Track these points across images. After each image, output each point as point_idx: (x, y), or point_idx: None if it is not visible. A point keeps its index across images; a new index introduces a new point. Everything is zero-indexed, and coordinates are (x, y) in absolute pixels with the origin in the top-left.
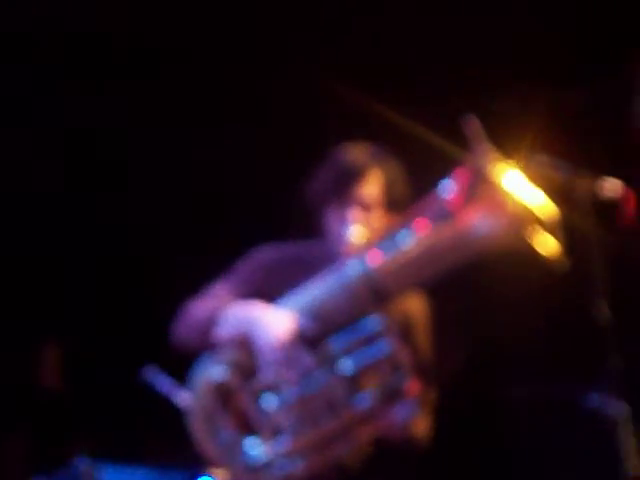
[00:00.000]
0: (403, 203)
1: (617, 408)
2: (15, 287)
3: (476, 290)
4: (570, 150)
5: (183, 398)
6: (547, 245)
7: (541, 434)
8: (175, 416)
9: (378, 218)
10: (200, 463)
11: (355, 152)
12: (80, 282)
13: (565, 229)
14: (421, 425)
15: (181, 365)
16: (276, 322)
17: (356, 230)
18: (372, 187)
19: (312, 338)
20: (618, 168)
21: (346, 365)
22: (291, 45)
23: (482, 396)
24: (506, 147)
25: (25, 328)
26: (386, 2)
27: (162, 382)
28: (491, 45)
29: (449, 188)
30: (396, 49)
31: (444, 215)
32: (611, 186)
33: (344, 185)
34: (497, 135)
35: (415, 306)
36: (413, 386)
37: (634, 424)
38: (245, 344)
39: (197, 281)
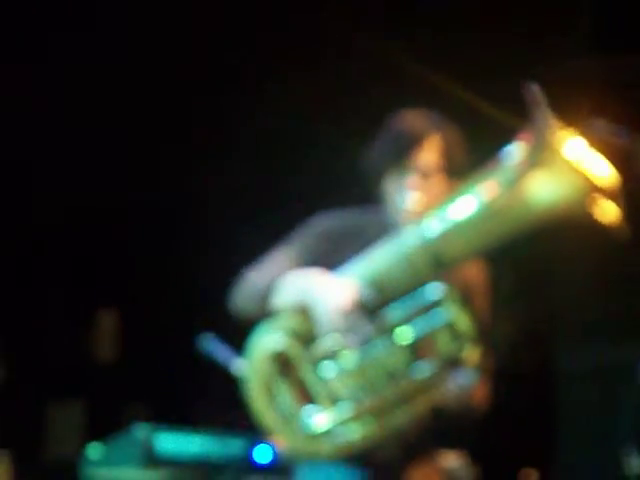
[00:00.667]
0: (463, 170)
1: None
2: (77, 257)
3: (535, 259)
4: (628, 116)
5: (240, 366)
6: (608, 212)
7: (594, 401)
8: (232, 384)
9: (437, 185)
10: (258, 431)
11: (413, 118)
12: (139, 251)
13: (626, 195)
14: (479, 393)
15: (239, 333)
16: (336, 289)
17: (415, 197)
18: (431, 153)
19: (371, 306)
20: None
21: (405, 333)
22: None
23: (539, 363)
24: (566, 114)
25: (84, 296)
26: None
27: (219, 350)
28: (546, 16)
29: (512, 154)
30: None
31: (507, 181)
32: None
33: (402, 152)
34: (557, 103)
35: (474, 274)
36: (472, 354)
37: None
38: (304, 312)
39: (256, 249)
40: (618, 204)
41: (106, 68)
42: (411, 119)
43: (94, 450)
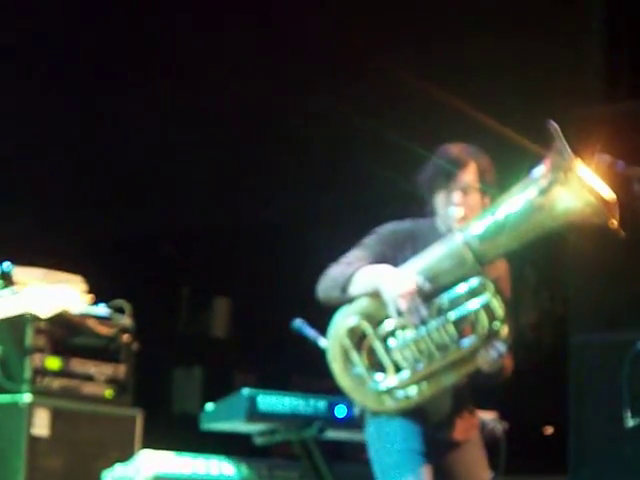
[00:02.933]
0: (493, 188)
1: None
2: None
3: (553, 255)
4: (626, 152)
5: (324, 341)
6: (610, 219)
7: (602, 370)
8: (318, 355)
9: (475, 200)
10: (338, 392)
11: (456, 149)
12: (248, 248)
13: (622, 208)
14: (508, 361)
15: (324, 318)
16: (400, 279)
17: (459, 209)
18: (470, 175)
19: (427, 294)
20: None
21: (454, 314)
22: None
23: (557, 338)
24: (579, 148)
25: (206, 288)
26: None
27: (308, 330)
28: (564, 71)
29: (541, 172)
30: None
31: (538, 191)
32: None
33: (449, 175)
34: (572, 139)
35: (502, 269)
36: (503, 330)
37: None
38: (375, 298)
39: (336, 251)
40: (615, 213)
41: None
42: (455, 150)
43: (211, 407)
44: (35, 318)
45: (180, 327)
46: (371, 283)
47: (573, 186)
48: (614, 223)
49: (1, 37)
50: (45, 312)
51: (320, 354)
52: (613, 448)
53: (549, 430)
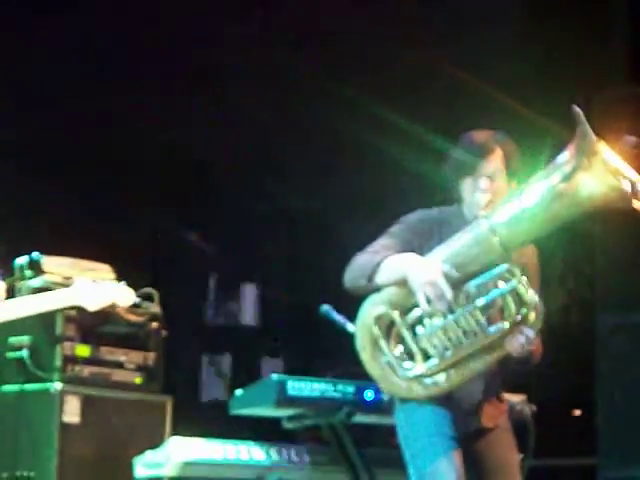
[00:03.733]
0: (518, 173)
1: None
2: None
3: (579, 241)
4: None
5: (352, 327)
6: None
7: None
8: (347, 342)
9: (501, 186)
10: (366, 378)
11: (482, 135)
12: (276, 235)
13: None
14: (537, 346)
15: (352, 305)
16: (427, 267)
17: (485, 196)
18: (495, 163)
19: (455, 280)
20: None
21: (481, 301)
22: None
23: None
24: (604, 131)
25: (234, 275)
26: None
27: (337, 317)
28: (592, 54)
29: (565, 157)
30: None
31: (563, 176)
32: None
33: (475, 162)
34: (596, 122)
35: (530, 255)
36: (532, 316)
37: None
38: (402, 286)
39: (363, 239)
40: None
41: None
42: (480, 136)
43: (240, 392)
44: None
45: (208, 315)
46: (398, 271)
47: (597, 171)
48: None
49: None
50: (94, 306)
51: (347, 341)
52: None
53: (577, 412)
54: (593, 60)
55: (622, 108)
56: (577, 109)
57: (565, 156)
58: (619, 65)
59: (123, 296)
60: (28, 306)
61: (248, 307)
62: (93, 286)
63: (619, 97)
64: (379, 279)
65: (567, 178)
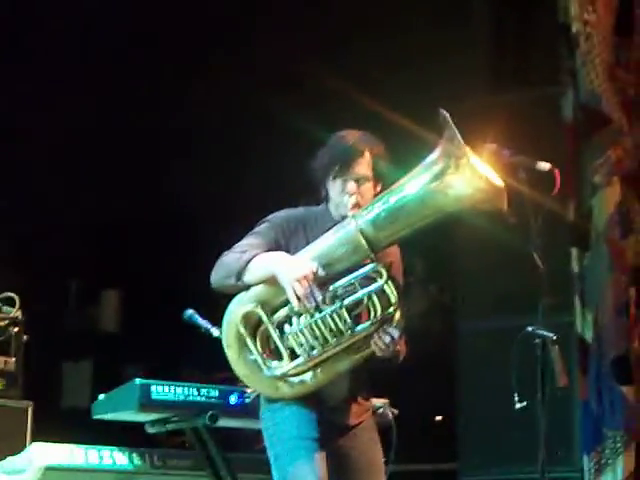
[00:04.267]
0: (386, 175)
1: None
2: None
3: (443, 244)
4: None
5: (216, 331)
6: (498, 204)
7: (489, 357)
8: (211, 344)
9: (368, 188)
10: (232, 380)
11: (352, 137)
12: (138, 241)
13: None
14: (401, 346)
15: (217, 307)
16: (296, 265)
17: (353, 197)
18: (364, 164)
19: (322, 280)
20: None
21: (348, 300)
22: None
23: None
24: (469, 137)
25: (91, 279)
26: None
27: (200, 320)
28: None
29: (433, 158)
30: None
31: (432, 178)
32: (543, 165)
33: (344, 163)
34: (463, 128)
35: (395, 255)
36: (397, 315)
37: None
38: (270, 284)
39: (227, 240)
40: (504, 200)
41: None
42: (350, 137)
43: (103, 397)
44: None
45: (68, 321)
46: (267, 269)
47: (464, 173)
48: (504, 209)
49: None
50: None
51: (210, 347)
52: (500, 434)
53: (439, 418)
54: (455, 69)
55: (485, 116)
56: (444, 112)
57: (433, 157)
58: (481, 75)
59: None
60: None
61: (109, 313)
62: None
63: (482, 105)
64: (247, 278)
65: (435, 178)
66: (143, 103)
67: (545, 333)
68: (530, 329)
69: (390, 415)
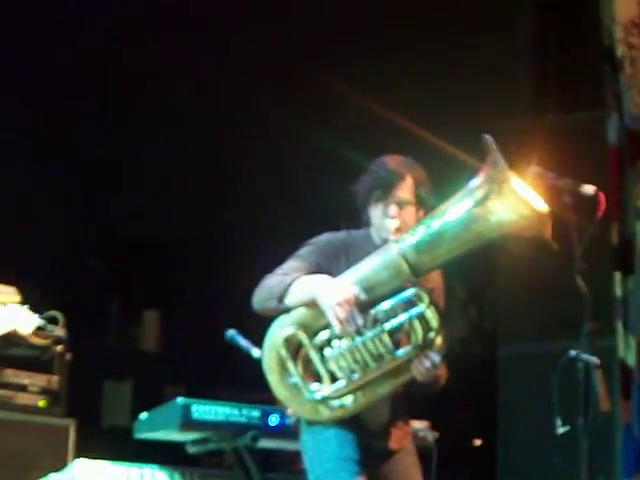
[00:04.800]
0: (428, 200)
1: (590, 359)
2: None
3: (483, 270)
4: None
5: (257, 352)
6: (542, 230)
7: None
8: (251, 365)
9: (410, 213)
10: (272, 401)
11: (393, 162)
12: (180, 261)
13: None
14: (442, 371)
15: (259, 328)
16: (338, 287)
17: (394, 222)
18: (406, 188)
19: (363, 304)
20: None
21: (389, 324)
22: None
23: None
24: (513, 160)
25: (135, 302)
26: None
27: (242, 340)
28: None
29: (476, 183)
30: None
31: (474, 202)
32: (588, 188)
33: (385, 187)
34: (506, 151)
35: (437, 280)
36: (438, 341)
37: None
38: (311, 307)
39: (268, 261)
40: (548, 225)
41: None
42: (391, 162)
43: (144, 416)
44: None
45: (110, 341)
46: (308, 292)
47: (507, 198)
48: (548, 235)
49: None
50: None
51: (250, 367)
52: (541, 458)
53: (478, 442)
54: (502, 92)
55: (529, 139)
56: (488, 137)
57: (476, 182)
58: (526, 97)
59: (25, 322)
60: None
61: (150, 333)
62: None
63: (526, 128)
64: (289, 300)
65: (478, 204)
66: (208, 131)
67: (588, 357)
68: (573, 353)
69: (430, 439)
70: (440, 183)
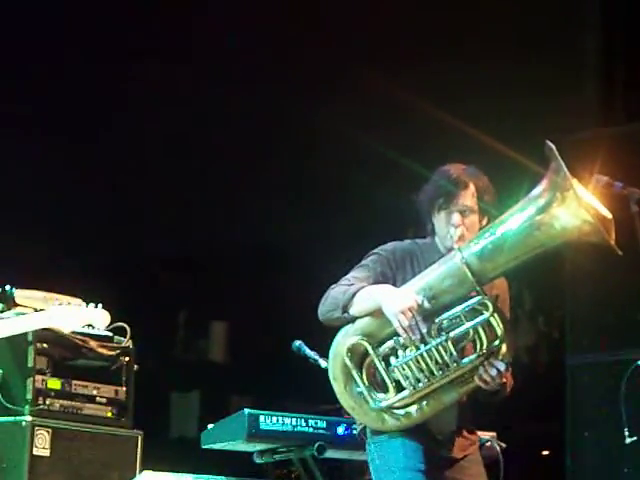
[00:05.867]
0: (491, 208)
1: None
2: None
3: (549, 277)
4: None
5: (324, 362)
6: (607, 238)
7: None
8: (316, 375)
9: (473, 221)
10: (339, 411)
11: (456, 170)
12: (247, 273)
13: (619, 228)
14: (508, 379)
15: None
16: (402, 295)
17: (458, 230)
18: (469, 196)
19: (428, 312)
20: None
21: (454, 333)
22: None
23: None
24: (576, 169)
25: (200, 310)
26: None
27: (308, 351)
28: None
29: (539, 191)
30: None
31: (537, 210)
32: None
33: (448, 195)
34: (571, 160)
35: (502, 288)
36: (504, 349)
37: None
38: (376, 317)
39: (332, 271)
40: (612, 232)
41: None
42: (454, 171)
43: (212, 427)
44: (37, 339)
45: (177, 352)
46: (373, 302)
47: (570, 204)
48: (612, 241)
49: None
50: (69, 327)
51: (316, 379)
52: (609, 468)
53: (546, 452)
54: (568, 101)
55: (595, 148)
56: (551, 144)
57: (539, 190)
58: (589, 112)
59: (98, 317)
60: (2, 328)
61: (218, 344)
62: (68, 308)
63: (592, 138)
64: (354, 310)
65: (541, 211)
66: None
67: None
68: None
69: (497, 449)
70: (504, 193)
